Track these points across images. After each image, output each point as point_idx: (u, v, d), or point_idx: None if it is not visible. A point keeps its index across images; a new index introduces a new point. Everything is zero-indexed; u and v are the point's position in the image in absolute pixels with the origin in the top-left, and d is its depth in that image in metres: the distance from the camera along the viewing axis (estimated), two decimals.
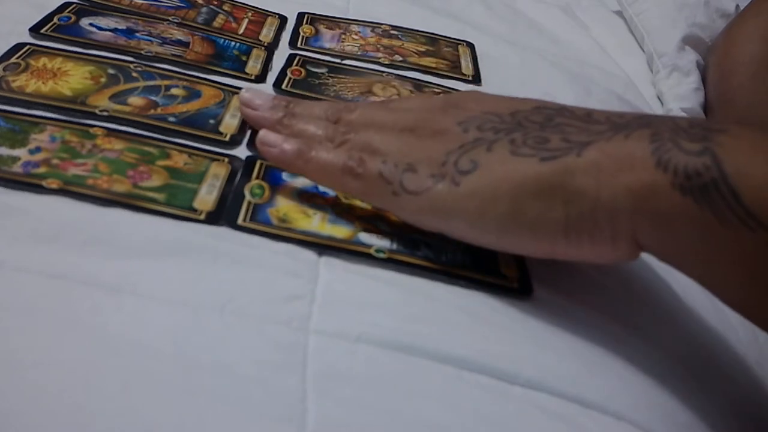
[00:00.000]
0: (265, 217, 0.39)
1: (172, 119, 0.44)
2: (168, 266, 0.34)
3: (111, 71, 0.48)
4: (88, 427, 0.27)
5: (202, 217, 0.38)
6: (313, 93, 0.52)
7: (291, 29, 0.61)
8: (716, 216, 0.32)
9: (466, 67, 0.62)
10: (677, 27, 0.89)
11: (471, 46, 0.66)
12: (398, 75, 0.57)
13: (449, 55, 0.63)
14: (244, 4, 0.63)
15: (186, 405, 0.28)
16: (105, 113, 0.43)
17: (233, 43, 0.56)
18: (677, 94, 0.83)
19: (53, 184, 0.37)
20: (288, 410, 0.29)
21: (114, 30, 0.53)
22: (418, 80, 0.57)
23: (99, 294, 0.32)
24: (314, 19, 0.64)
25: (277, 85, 0.52)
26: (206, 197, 0.39)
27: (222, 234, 0.37)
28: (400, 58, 0.60)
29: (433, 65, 0.60)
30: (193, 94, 0.47)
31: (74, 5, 0.55)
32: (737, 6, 0.92)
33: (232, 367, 0.30)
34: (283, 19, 0.62)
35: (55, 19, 0.52)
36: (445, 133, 0.39)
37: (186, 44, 0.53)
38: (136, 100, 0.45)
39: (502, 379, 0.33)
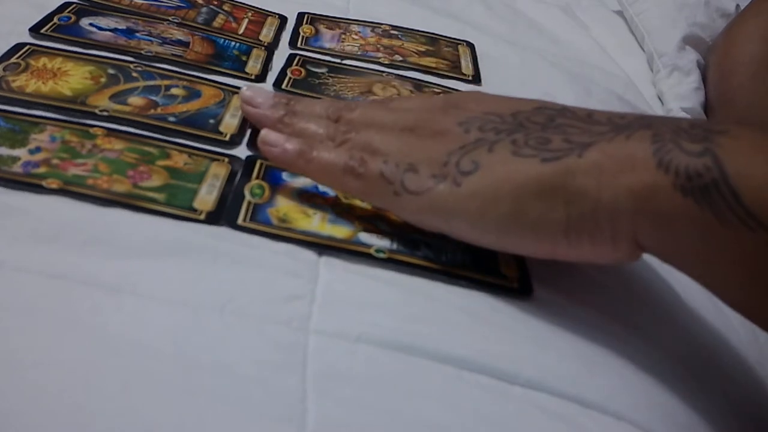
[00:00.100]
0: (265, 217, 0.39)
1: (172, 119, 0.44)
2: (168, 266, 0.34)
3: (111, 71, 0.48)
4: (88, 427, 0.27)
5: (202, 217, 0.38)
6: (313, 93, 0.52)
7: (291, 29, 0.61)
8: (717, 216, 0.32)
9: (466, 67, 0.62)
10: (677, 27, 0.89)
11: (471, 46, 0.66)
12: (398, 75, 0.57)
13: (449, 55, 0.63)
14: (244, 4, 0.63)
15: (186, 405, 0.28)
16: (105, 113, 0.43)
17: (233, 43, 0.56)
18: (677, 93, 0.83)
19: (53, 184, 0.37)
20: (288, 410, 0.29)
21: (114, 30, 0.53)
22: (418, 80, 0.57)
23: (99, 294, 0.32)
24: (314, 19, 0.64)
25: (277, 85, 0.52)
26: (206, 197, 0.39)
27: (222, 234, 0.37)
28: (400, 58, 0.60)
29: (433, 65, 0.60)
30: (193, 94, 0.47)
31: (74, 5, 0.55)
32: (737, 6, 0.92)
33: (232, 367, 0.30)
34: (283, 19, 0.62)
35: (55, 19, 0.52)
36: (446, 133, 0.39)
37: (186, 44, 0.53)
38: (136, 100, 0.45)
39: (502, 379, 0.33)
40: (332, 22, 0.64)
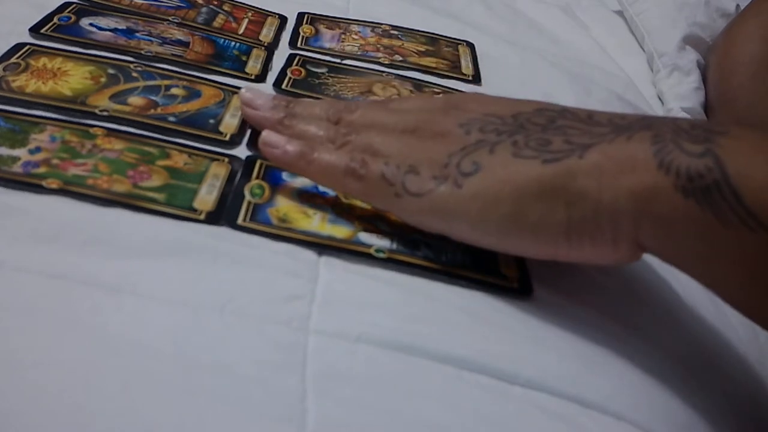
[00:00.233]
0: (265, 217, 0.39)
1: (172, 119, 0.44)
2: (168, 266, 0.34)
3: (111, 71, 0.48)
4: (88, 427, 0.27)
5: (202, 217, 0.38)
6: (313, 93, 0.52)
7: (291, 29, 0.61)
8: (718, 217, 0.32)
9: (466, 67, 0.62)
10: (677, 27, 0.89)
11: (471, 46, 0.66)
12: (398, 75, 0.57)
13: (449, 55, 0.63)
14: (244, 4, 0.63)
15: (186, 405, 0.28)
16: (105, 113, 0.43)
17: (233, 43, 0.56)
18: (678, 93, 0.83)
19: (53, 184, 0.37)
20: (288, 410, 0.29)
21: (114, 30, 0.53)
22: (418, 80, 0.57)
23: (99, 294, 0.32)
24: (314, 19, 0.64)
25: (277, 85, 0.52)
26: (206, 197, 0.39)
27: (222, 234, 0.37)
28: (400, 58, 0.60)
29: (433, 65, 0.60)
30: (193, 94, 0.47)
31: (74, 5, 0.55)
32: (737, 6, 0.92)
33: (232, 367, 0.30)
34: (283, 19, 0.62)
35: (55, 19, 0.52)
36: (447, 134, 0.39)
37: (186, 44, 0.53)
38: (136, 100, 0.45)
39: (502, 379, 0.33)
40: (332, 22, 0.64)
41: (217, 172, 0.41)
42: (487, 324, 0.36)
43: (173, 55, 0.51)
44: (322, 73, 0.55)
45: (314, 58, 0.57)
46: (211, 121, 0.45)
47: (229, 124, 0.45)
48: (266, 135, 0.41)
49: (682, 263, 0.35)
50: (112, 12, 0.55)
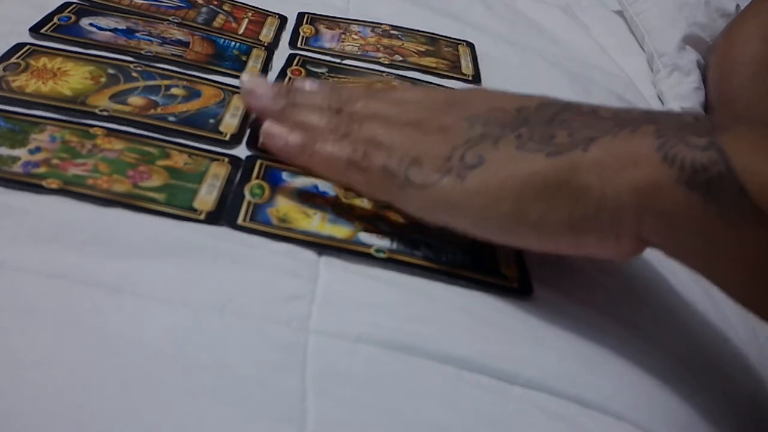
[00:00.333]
0: (265, 217, 0.39)
1: (172, 119, 0.44)
2: (168, 266, 0.34)
3: (111, 71, 0.48)
4: (88, 427, 0.27)
5: (202, 217, 0.38)
6: None
7: (291, 29, 0.61)
8: (721, 211, 0.32)
9: (466, 67, 0.62)
10: (677, 27, 0.89)
11: (471, 46, 0.66)
12: (398, 75, 0.57)
13: (449, 55, 0.63)
14: (244, 4, 0.63)
15: (186, 405, 0.28)
16: (105, 113, 0.43)
17: (233, 43, 0.56)
18: (678, 93, 0.83)
19: (53, 184, 0.37)
20: (288, 410, 0.29)
21: (114, 30, 0.53)
22: (418, 80, 0.57)
23: (99, 294, 0.32)
24: (314, 19, 0.64)
25: None
26: (206, 197, 0.39)
27: (222, 234, 0.37)
28: (400, 58, 0.60)
29: (433, 65, 0.60)
30: (193, 94, 0.47)
31: (74, 5, 0.55)
32: (737, 6, 0.93)
33: (232, 367, 0.30)
34: (283, 19, 0.62)
35: (55, 19, 0.52)
36: (451, 128, 0.39)
37: (186, 44, 0.53)
38: (136, 100, 0.45)
39: (502, 379, 0.33)
40: (332, 22, 0.64)
41: (217, 172, 0.41)
42: (487, 324, 0.36)
43: (173, 55, 0.51)
44: (322, 73, 0.55)
45: (314, 58, 0.57)
46: (211, 121, 0.45)
47: (229, 124, 0.45)
48: (268, 126, 0.41)
49: (684, 257, 0.35)
50: (112, 12, 0.55)
